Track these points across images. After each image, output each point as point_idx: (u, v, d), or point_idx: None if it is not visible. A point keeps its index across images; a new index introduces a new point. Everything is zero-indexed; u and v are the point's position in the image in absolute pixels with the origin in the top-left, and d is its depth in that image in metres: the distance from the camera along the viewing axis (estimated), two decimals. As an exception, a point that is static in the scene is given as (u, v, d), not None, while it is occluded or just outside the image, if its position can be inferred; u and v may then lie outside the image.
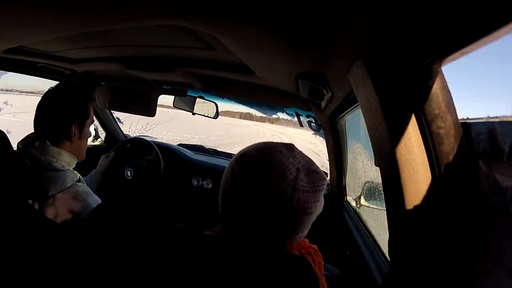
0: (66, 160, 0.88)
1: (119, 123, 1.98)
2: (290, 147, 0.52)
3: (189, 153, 1.90)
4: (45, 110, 0.87)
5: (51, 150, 0.85)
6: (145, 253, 0.42)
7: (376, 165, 0.55)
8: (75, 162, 0.91)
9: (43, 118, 0.87)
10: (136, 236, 0.43)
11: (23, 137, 0.90)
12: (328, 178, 1.69)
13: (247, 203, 0.47)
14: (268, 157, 0.48)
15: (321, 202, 0.50)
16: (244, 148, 0.53)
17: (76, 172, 0.90)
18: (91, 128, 1.91)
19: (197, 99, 1.60)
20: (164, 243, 0.43)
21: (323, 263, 0.56)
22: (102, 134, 2.00)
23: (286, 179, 0.46)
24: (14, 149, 0.74)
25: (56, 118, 0.87)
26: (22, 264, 0.53)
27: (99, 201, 0.88)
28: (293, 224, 0.47)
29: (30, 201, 0.80)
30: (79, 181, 0.89)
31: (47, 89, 0.90)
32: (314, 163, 0.53)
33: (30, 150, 0.84)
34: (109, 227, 0.45)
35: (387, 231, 0.56)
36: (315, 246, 0.56)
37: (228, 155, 2.06)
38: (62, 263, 0.50)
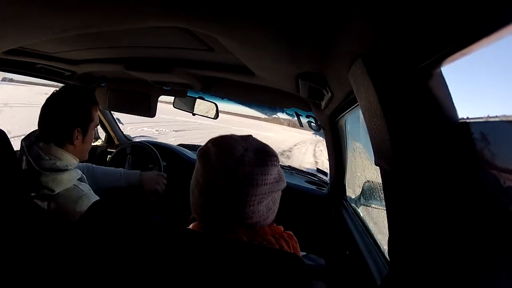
0: (69, 161, 0.90)
1: (119, 124, 1.98)
2: (245, 136, 0.58)
3: (189, 153, 1.90)
4: (49, 114, 0.89)
5: (55, 150, 0.87)
6: (138, 249, 0.43)
7: (376, 164, 0.55)
8: (77, 163, 0.93)
9: (47, 121, 0.89)
10: (131, 232, 0.44)
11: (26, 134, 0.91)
12: (328, 178, 1.69)
13: (202, 188, 0.53)
14: (220, 142, 0.54)
15: (274, 176, 0.53)
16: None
17: (79, 170, 0.92)
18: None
19: (197, 99, 1.60)
20: (155, 239, 0.43)
21: (299, 249, 0.58)
22: (102, 134, 2.00)
23: (232, 156, 0.51)
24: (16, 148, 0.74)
25: (59, 122, 0.89)
26: (23, 259, 0.54)
27: None
28: (240, 195, 0.50)
29: (35, 200, 0.81)
30: (81, 179, 0.91)
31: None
32: (268, 146, 0.57)
33: (34, 148, 0.86)
34: (104, 223, 0.45)
35: (387, 231, 0.56)
36: (290, 232, 0.58)
37: None
38: (59, 258, 0.50)
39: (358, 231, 1.13)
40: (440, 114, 0.40)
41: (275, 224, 0.57)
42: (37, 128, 0.91)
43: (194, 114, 1.64)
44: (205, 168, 0.53)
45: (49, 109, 0.89)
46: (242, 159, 0.51)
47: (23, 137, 0.90)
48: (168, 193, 1.77)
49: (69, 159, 0.89)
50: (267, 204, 0.53)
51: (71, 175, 0.87)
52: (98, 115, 1.79)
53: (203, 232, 0.52)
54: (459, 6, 0.29)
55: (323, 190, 1.68)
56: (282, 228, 0.57)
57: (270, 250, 0.45)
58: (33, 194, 0.82)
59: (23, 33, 0.66)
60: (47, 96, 0.91)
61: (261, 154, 0.53)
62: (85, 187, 0.89)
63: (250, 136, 0.58)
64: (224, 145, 0.53)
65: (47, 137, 0.88)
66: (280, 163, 0.56)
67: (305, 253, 0.79)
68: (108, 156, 1.72)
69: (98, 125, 1.00)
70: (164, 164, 1.68)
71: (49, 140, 0.87)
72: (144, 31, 0.78)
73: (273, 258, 0.41)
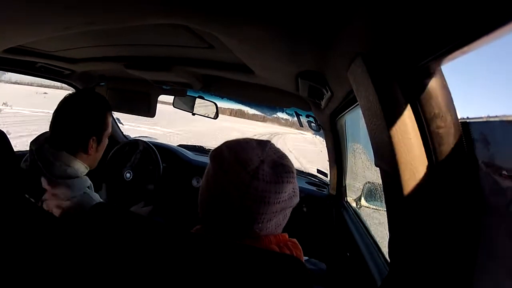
0: (80, 168, 0.87)
1: (118, 124, 1.98)
2: (263, 143, 0.54)
3: (189, 153, 1.90)
4: (63, 121, 0.85)
5: (66, 157, 0.84)
6: (139, 251, 0.42)
7: (376, 165, 0.55)
8: (87, 170, 0.91)
9: (61, 128, 0.85)
10: (131, 234, 0.44)
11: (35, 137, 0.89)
12: (328, 178, 1.69)
13: (213, 193, 0.51)
14: (235, 148, 0.51)
15: (288, 193, 0.51)
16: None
17: (88, 179, 0.90)
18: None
19: (197, 99, 1.60)
20: (155, 241, 0.43)
21: (303, 256, 0.56)
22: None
23: (246, 168, 0.48)
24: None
25: (74, 131, 0.85)
26: (22, 260, 0.54)
27: None
28: (250, 212, 0.48)
29: (44, 206, 0.79)
30: (90, 187, 0.89)
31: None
32: (286, 158, 0.54)
33: (43, 153, 0.83)
34: (105, 225, 0.45)
35: (387, 231, 0.55)
36: (294, 240, 0.55)
37: None
38: (60, 260, 0.50)
39: (359, 232, 1.13)
40: (440, 114, 0.40)
41: (280, 232, 0.55)
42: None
43: (193, 114, 1.64)
44: (217, 173, 0.50)
45: (63, 116, 0.85)
46: (257, 172, 0.48)
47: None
48: (168, 195, 1.77)
49: (80, 167, 0.87)
50: (277, 221, 0.51)
51: (81, 183, 0.85)
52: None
53: (204, 235, 0.51)
54: (458, 4, 0.29)
55: (324, 191, 1.67)
56: (287, 236, 0.55)
57: (271, 253, 0.45)
58: (42, 200, 0.80)
59: (22, 32, 0.66)
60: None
61: (277, 168, 0.50)
62: (95, 195, 0.87)
63: (268, 142, 0.55)
64: (239, 153, 0.50)
65: (59, 144, 0.84)
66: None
67: (307, 258, 0.79)
68: (111, 151, 1.70)
69: (110, 133, 0.95)
70: (163, 165, 1.68)
71: (61, 147, 0.84)
72: (144, 29, 0.78)
73: (274, 261, 0.41)
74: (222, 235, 0.50)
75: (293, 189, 0.52)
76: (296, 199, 0.54)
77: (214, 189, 0.51)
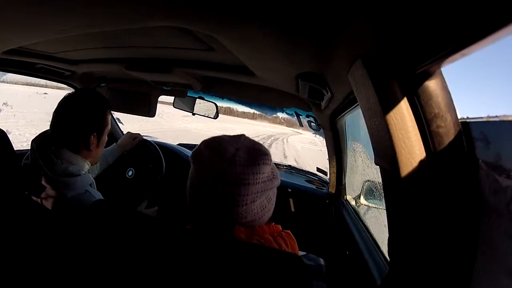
0: (82, 166, 0.88)
1: (119, 124, 1.99)
2: (237, 136, 0.58)
3: (189, 152, 1.90)
4: (64, 119, 0.87)
5: (68, 155, 0.85)
6: (139, 248, 0.43)
7: (376, 163, 0.55)
8: (88, 167, 0.92)
9: (62, 127, 0.87)
10: (131, 232, 0.44)
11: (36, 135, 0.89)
12: (328, 177, 1.69)
13: (196, 187, 0.53)
14: (211, 144, 0.54)
15: (266, 175, 0.54)
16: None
17: (90, 176, 0.91)
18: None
19: (197, 99, 1.61)
20: (155, 238, 0.44)
21: (298, 249, 0.57)
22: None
23: (223, 156, 0.51)
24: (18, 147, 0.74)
25: (76, 128, 0.86)
26: (22, 258, 0.54)
27: None
28: (232, 195, 0.50)
29: (44, 204, 0.80)
30: (91, 185, 0.90)
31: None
32: (261, 145, 0.58)
33: (45, 151, 0.84)
34: (105, 222, 0.45)
35: (387, 230, 0.56)
36: (288, 231, 0.57)
37: None
38: (59, 257, 0.50)
39: (358, 231, 1.13)
40: (440, 114, 0.40)
41: (273, 223, 0.57)
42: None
43: (194, 114, 1.64)
44: (198, 169, 0.54)
45: (64, 114, 0.86)
46: (234, 159, 0.51)
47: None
48: (168, 193, 1.77)
49: (82, 164, 0.88)
50: (261, 203, 0.54)
51: (83, 180, 0.86)
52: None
53: (203, 232, 0.52)
54: (459, 6, 0.29)
55: (323, 189, 1.68)
56: (281, 227, 0.58)
57: (269, 250, 0.45)
58: (43, 197, 0.80)
59: (23, 33, 0.66)
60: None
61: (252, 153, 0.53)
62: (96, 193, 0.88)
63: (242, 135, 0.58)
64: (215, 146, 0.53)
65: (61, 141, 0.85)
66: (280, 163, 0.55)
67: (304, 253, 0.80)
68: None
69: (110, 130, 0.97)
70: (165, 164, 1.68)
71: (63, 145, 0.85)
72: (144, 31, 0.78)
73: (272, 258, 0.41)
74: (212, 228, 0.52)
75: (272, 171, 0.55)
76: (277, 181, 0.56)
77: (197, 183, 0.53)
